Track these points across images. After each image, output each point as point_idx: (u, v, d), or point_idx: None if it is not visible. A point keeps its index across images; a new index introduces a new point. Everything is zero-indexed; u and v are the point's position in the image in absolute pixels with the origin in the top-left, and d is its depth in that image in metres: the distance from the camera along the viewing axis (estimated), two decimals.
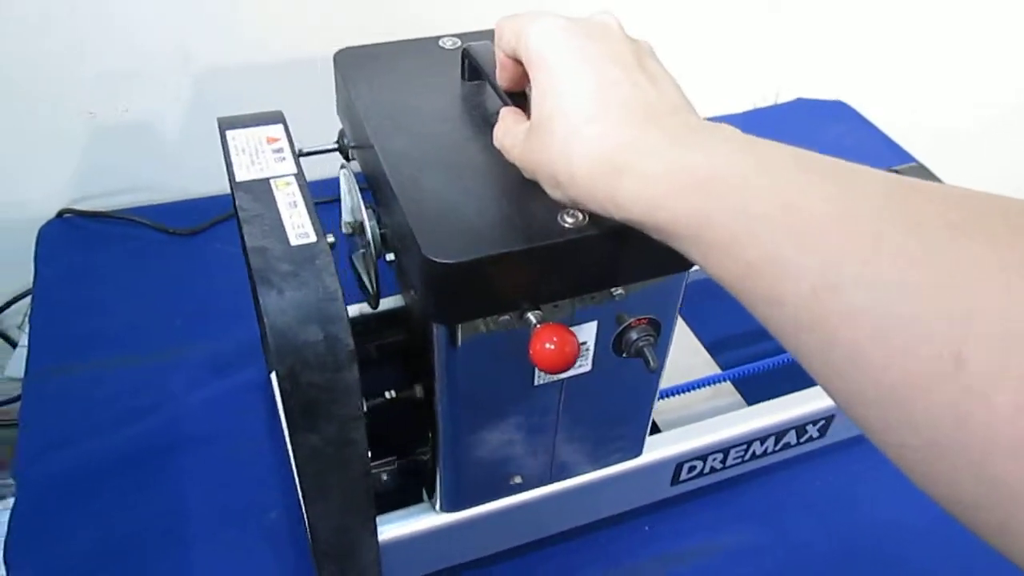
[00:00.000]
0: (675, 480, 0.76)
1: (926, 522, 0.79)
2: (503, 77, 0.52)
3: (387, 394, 0.67)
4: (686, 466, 0.75)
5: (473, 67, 0.60)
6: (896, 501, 0.81)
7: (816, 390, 0.78)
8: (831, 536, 0.79)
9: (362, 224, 0.59)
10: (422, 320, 0.55)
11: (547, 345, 0.49)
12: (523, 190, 0.51)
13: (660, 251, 0.48)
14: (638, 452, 0.71)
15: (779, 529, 0.79)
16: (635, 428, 0.70)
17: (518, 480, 0.67)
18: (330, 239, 0.58)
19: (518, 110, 0.52)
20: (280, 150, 0.60)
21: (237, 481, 0.79)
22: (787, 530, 0.79)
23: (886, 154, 1.23)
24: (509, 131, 0.50)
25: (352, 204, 0.63)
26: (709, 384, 0.83)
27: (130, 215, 1.07)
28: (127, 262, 1.01)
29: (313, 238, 0.53)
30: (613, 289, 0.55)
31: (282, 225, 0.54)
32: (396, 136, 0.56)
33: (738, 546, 0.77)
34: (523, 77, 0.51)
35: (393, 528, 0.67)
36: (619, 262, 0.53)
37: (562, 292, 0.53)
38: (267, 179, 0.57)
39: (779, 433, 0.77)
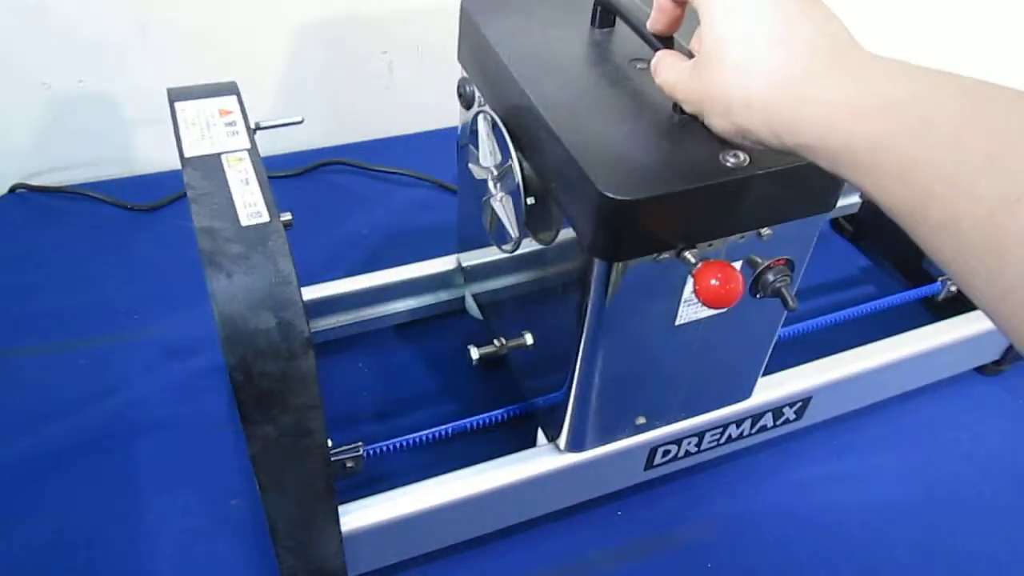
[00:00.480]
0: (649, 464, 0.74)
1: (898, 511, 0.78)
2: (659, 20, 0.53)
3: (496, 342, 0.73)
4: (660, 450, 0.73)
5: (605, 13, 0.63)
6: (869, 486, 0.80)
7: (791, 372, 0.77)
8: (805, 523, 0.77)
9: (508, 168, 0.60)
10: (582, 257, 0.55)
11: (712, 281, 0.51)
12: (680, 132, 0.54)
13: (811, 191, 0.55)
14: (748, 394, 0.73)
15: (749, 517, 0.77)
16: (753, 369, 0.72)
17: (642, 420, 0.69)
18: (286, 217, 0.55)
19: (674, 51, 0.52)
20: (233, 123, 0.57)
21: (198, 468, 0.77)
22: (757, 517, 0.77)
23: None
24: (672, 67, 0.50)
25: (492, 148, 0.62)
26: None
27: (86, 190, 1.03)
28: (84, 239, 0.98)
29: (266, 217, 0.50)
30: (763, 229, 0.57)
31: (233, 204, 0.51)
32: (544, 80, 0.57)
33: (707, 534, 0.76)
34: (677, 20, 0.52)
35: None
36: (775, 202, 0.55)
37: (721, 231, 0.55)
38: (218, 154, 0.54)
39: (755, 416, 0.75)
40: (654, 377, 0.66)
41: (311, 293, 0.82)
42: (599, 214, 0.50)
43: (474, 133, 0.65)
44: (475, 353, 0.74)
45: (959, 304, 0.87)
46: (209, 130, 0.56)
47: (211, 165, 0.53)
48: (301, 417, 0.51)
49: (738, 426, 0.75)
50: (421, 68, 1.10)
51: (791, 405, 0.77)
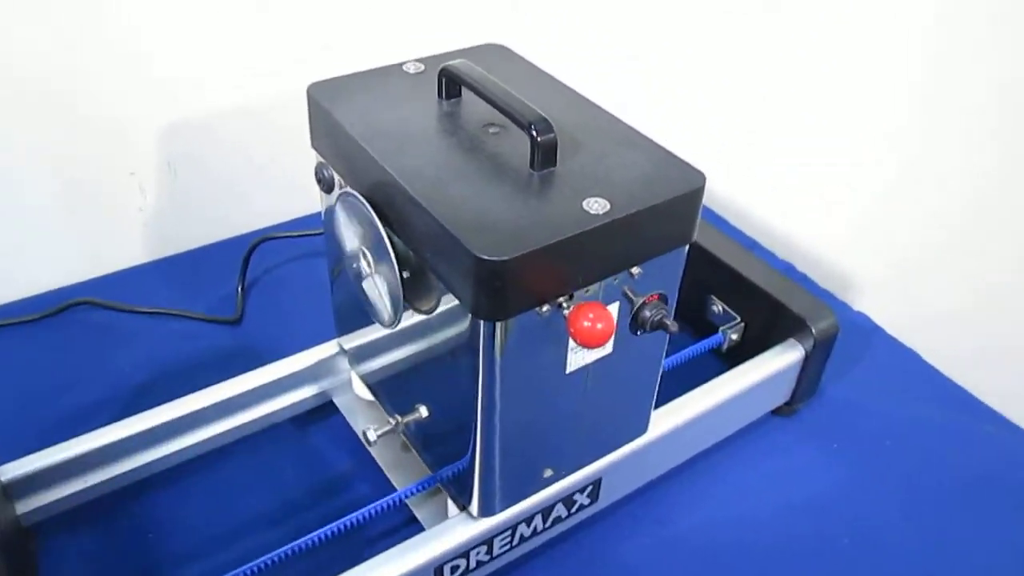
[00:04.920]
0: None
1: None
2: None
3: (391, 420, 0.71)
4: (447, 568, 0.68)
5: (451, 85, 0.66)
6: (678, 554, 0.78)
7: None
8: None
9: (379, 246, 0.61)
10: (467, 321, 0.56)
11: (584, 323, 0.54)
12: (540, 188, 0.57)
13: (672, 225, 0.59)
14: (645, 429, 0.74)
15: None
16: (644, 404, 0.73)
17: (549, 473, 0.69)
18: None
19: None
20: None
21: None
22: None
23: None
24: None
25: (360, 229, 0.63)
26: None
27: None
28: None
29: None
30: (633, 268, 0.59)
31: None
32: (402, 154, 0.59)
33: None
34: None
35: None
36: (641, 240, 0.58)
37: (594, 275, 0.57)
38: None
39: (545, 510, 0.71)
40: (554, 427, 0.66)
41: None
42: (477, 277, 0.52)
43: (340, 217, 0.65)
44: (372, 435, 0.70)
45: (746, 351, 0.88)
46: None
47: None
48: None
49: (528, 524, 0.71)
50: (175, 186, 1.04)
51: (582, 490, 0.73)
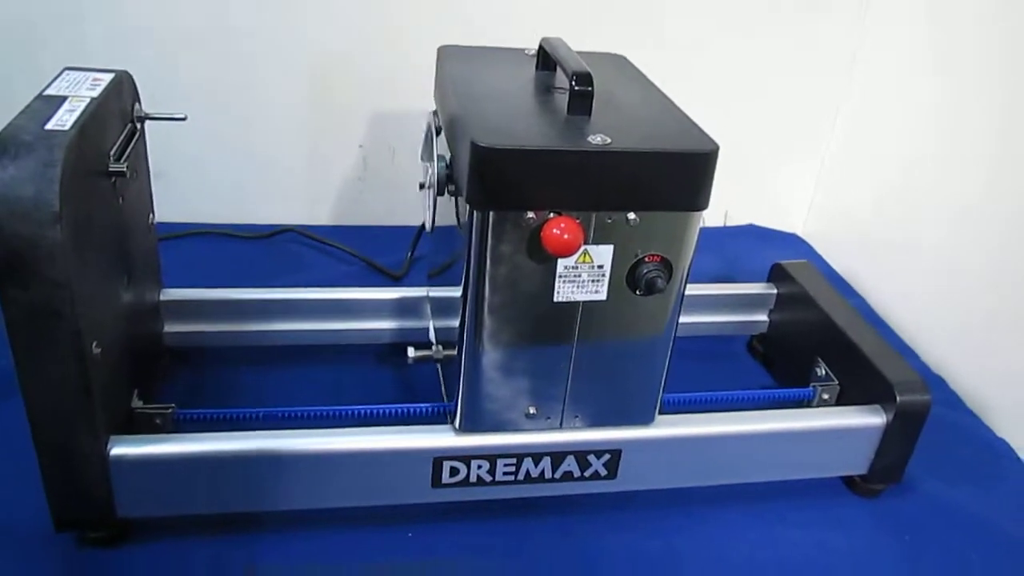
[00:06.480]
0: (436, 482, 0.75)
1: None
2: None
3: (433, 349, 0.78)
4: (447, 466, 0.74)
5: (546, 58, 0.75)
6: None
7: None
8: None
9: (428, 155, 0.72)
10: (466, 213, 0.63)
11: (554, 230, 0.60)
12: (565, 124, 0.64)
13: (674, 184, 0.62)
14: (649, 419, 0.76)
15: None
16: (647, 388, 0.74)
17: (532, 411, 0.73)
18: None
19: None
20: (96, 85, 0.70)
21: None
22: None
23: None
24: None
25: (429, 146, 0.73)
26: None
27: None
28: None
29: (66, 127, 0.62)
30: (628, 214, 0.63)
31: (48, 118, 0.63)
32: (474, 92, 0.70)
33: None
34: None
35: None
36: (636, 185, 0.62)
37: (584, 202, 0.62)
38: (66, 96, 0.67)
39: (555, 454, 0.75)
40: (539, 359, 0.70)
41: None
42: (472, 161, 0.59)
43: (424, 142, 0.76)
44: (412, 352, 0.79)
45: None
46: (75, 86, 0.69)
47: (56, 100, 0.66)
48: (50, 293, 0.59)
49: (536, 462, 0.75)
50: (393, 166, 1.25)
51: (598, 454, 0.76)
